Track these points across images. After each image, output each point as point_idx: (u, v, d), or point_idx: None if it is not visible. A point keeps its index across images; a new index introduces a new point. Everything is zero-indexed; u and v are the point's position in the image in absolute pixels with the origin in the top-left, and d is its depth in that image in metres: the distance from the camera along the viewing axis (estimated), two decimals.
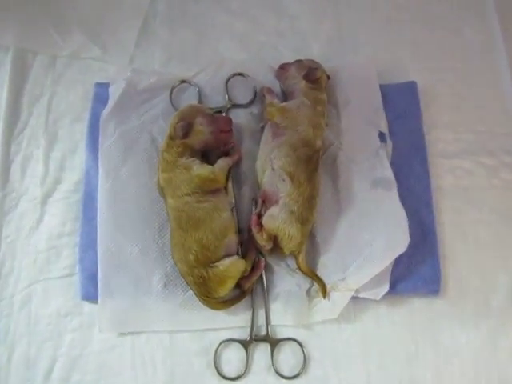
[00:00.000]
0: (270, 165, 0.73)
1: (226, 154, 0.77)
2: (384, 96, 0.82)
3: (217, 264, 0.70)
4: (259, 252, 0.74)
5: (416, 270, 0.75)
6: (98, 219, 0.76)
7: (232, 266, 0.70)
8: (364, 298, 0.72)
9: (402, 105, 0.83)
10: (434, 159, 0.82)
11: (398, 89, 0.84)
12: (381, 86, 0.83)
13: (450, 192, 0.80)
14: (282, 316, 0.73)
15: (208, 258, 0.70)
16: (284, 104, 0.76)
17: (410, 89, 0.84)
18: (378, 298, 0.72)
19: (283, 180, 0.71)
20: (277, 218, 0.70)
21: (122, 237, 0.75)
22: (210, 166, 0.73)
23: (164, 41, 0.91)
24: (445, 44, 0.90)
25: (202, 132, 0.73)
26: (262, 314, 0.73)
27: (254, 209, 0.76)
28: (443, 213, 0.79)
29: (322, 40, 0.90)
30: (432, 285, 0.74)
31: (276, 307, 0.73)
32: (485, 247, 0.77)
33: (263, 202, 0.73)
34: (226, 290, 0.70)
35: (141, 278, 0.74)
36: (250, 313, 0.73)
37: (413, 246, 0.73)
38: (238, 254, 0.74)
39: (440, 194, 0.80)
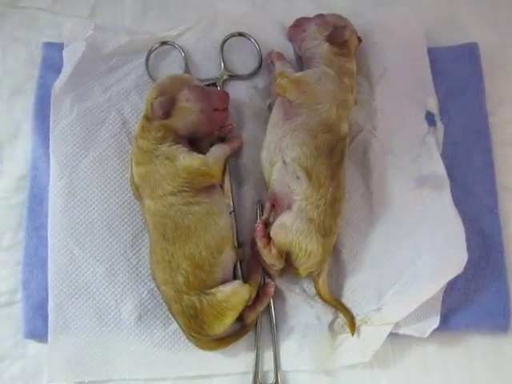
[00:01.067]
0: (280, 157, 0.77)
1: (222, 140, 0.82)
2: (433, 63, 0.88)
3: (213, 291, 0.74)
4: (266, 273, 0.79)
5: (476, 299, 0.80)
6: (49, 229, 0.80)
7: (233, 295, 0.73)
8: (406, 335, 0.77)
9: (458, 75, 0.88)
10: (500, 149, 0.87)
11: (453, 53, 0.89)
12: (429, 50, 0.88)
13: None
14: (296, 358, 0.78)
15: (202, 280, 0.74)
16: (300, 74, 0.81)
17: (470, 53, 0.89)
18: (426, 335, 0.77)
19: (298, 177, 0.76)
20: (290, 229, 0.75)
21: (82, 252, 0.79)
22: (201, 155, 0.77)
23: None
24: None
25: (189, 110, 0.77)
26: (269, 355, 0.78)
27: (259, 215, 0.81)
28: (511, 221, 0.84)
29: None
30: (498, 318, 0.79)
31: (288, 346, 0.78)
32: None
33: (272, 206, 0.78)
34: (224, 325, 0.74)
35: (107, 307, 0.78)
36: (254, 354, 0.77)
37: (472, 266, 0.79)
38: (235, 275, 0.78)
39: (508, 195, 0.85)
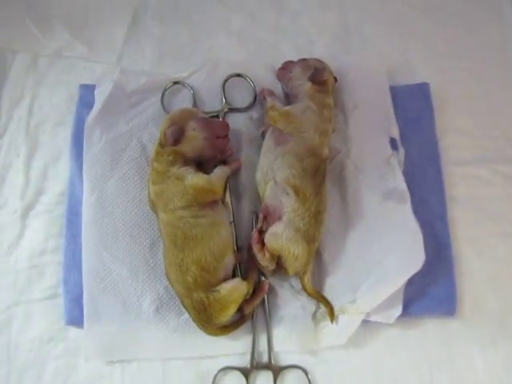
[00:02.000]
0: (272, 176, 0.61)
1: (224, 163, 0.65)
2: (394, 99, 0.70)
3: (218, 288, 0.58)
4: (261, 272, 0.62)
5: (430, 290, 0.64)
6: (83, 236, 0.64)
7: (234, 290, 0.58)
8: (375, 322, 0.61)
9: (413, 109, 0.70)
10: (448, 167, 0.70)
11: (410, 91, 0.71)
12: (390, 88, 0.71)
13: (464, 203, 0.68)
14: (286, 341, 0.62)
15: (208, 280, 0.58)
16: (288, 108, 0.64)
17: (423, 91, 0.71)
18: (391, 321, 0.61)
19: (287, 194, 0.60)
20: (281, 236, 0.59)
21: (109, 256, 0.63)
22: (205, 175, 0.61)
23: (155, 38, 0.77)
24: (458, 42, 0.77)
25: (195, 138, 0.61)
26: (263, 339, 0.62)
27: (254, 224, 0.64)
28: (458, 226, 0.67)
29: (327, 37, 0.77)
30: (448, 305, 0.63)
31: (279, 332, 0.62)
32: (503, 263, 0.66)
33: (265, 217, 0.61)
34: (227, 315, 0.59)
35: (130, 300, 0.62)
36: (251, 338, 0.62)
37: (427, 264, 0.62)
38: (235, 274, 0.62)
39: (454, 205, 0.68)
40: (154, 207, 0.62)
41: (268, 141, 0.63)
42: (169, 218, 0.59)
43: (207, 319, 0.59)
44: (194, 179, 0.60)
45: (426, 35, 0.77)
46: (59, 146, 0.71)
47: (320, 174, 0.61)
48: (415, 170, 0.68)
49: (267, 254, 0.59)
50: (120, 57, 0.76)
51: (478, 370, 0.62)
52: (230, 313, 0.59)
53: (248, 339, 0.62)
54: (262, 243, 0.60)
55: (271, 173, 0.61)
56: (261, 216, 0.62)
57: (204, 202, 0.60)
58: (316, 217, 0.60)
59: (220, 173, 0.63)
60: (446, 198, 0.68)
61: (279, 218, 0.60)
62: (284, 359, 0.62)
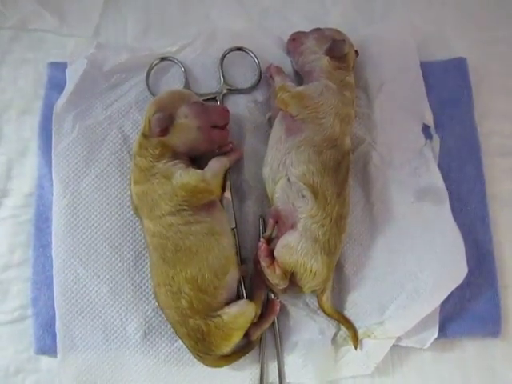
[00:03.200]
0: (284, 174, 0.48)
1: (221, 154, 0.52)
2: (426, 77, 0.58)
3: (219, 313, 0.47)
4: (269, 289, 0.50)
5: (470, 306, 0.53)
6: (54, 248, 0.52)
7: (240, 316, 0.46)
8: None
9: (449, 89, 0.58)
10: (488, 159, 0.58)
11: (444, 68, 0.59)
12: (421, 65, 0.58)
13: (508, 201, 0.57)
14: (300, 371, 0.51)
15: (207, 304, 0.46)
16: (301, 88, 0.51)
17: (459, 67, 0.59)
18: (426, 346, 0.51)
19: (303, 196, 0.47)
20: (295, 249, 0.47)
21: (86, 271, 0.51)
22: (198, 171, 0.49)
23: (138, 5, 0.64)
24: (498, 10, 0.63)
25: (188, 127, 0.48)
26: (273, 368, 0.51)
27: (261, 231, 0.52)
28: (501, 230, 0.56)
29: (343, 4, 0.63)
30: (491, 324, 0.53)
31: (292, 360, 0.51)
32: None
33: (275, 222, 0.50)
34: (231, 345, 0.47)
35: (113, 325, 0.51)
36: (259, 368, 0.50)
37: (467, 276, 0.51)
38: (239, 293, 0.50)
39: (496, 204, 0.56)
40: (137, 212, 0.49)
41: (278, 129, 0.51)
42: (155, 226, 0.47)
43: (206, 350, 0.47)
44: (185, 177, 0.47)
45: (460, 2, 0.64)
46: (25, 137, 0.58)
47: (342, 170, 0.49)
48: (452, 163, 0.56)
49: (278, 270, 0.47)
50: (97, 29, 0.62)
51: None
52: (234, 341, 0.47)
53: (255, 369, 0.51)
54: (272, 256, 0.48)
55: (283, 169, 0.48)
56: (270, 221, 0.50)
57: (198, 205, 0.47)
58: (338, 223, 0.48)
59: (216, 166, 0.50)
60: (488, 196, 0.56)
61: (293, 226, 0.48)
62: None
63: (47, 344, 0.51)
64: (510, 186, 0.58)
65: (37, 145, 0.56)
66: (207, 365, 0.49)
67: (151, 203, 0.47)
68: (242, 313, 0.46)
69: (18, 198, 0.56)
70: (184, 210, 0.47)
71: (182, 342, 0.48)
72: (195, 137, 0.49)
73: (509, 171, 0.58)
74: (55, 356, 0.51)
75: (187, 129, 0.48)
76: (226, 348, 0.47)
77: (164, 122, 0.47)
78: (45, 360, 0.52)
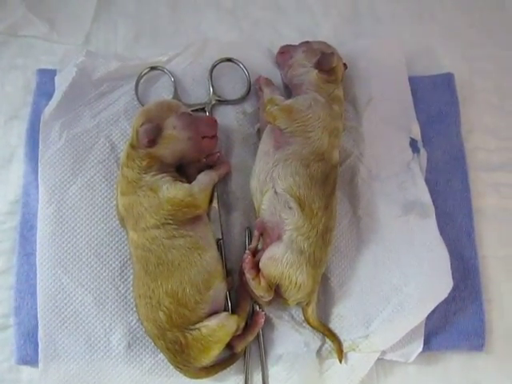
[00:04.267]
0: (271, 186, 0.48)
1: (209, 167, 0.52)
2: (414, 92, 0.58)
3: (198, 326, 0.46)
4: (254, 301, 0.50)
5: (455, 320, 0.53)
6: (38, 256, 0.51)
7: (219, 329, 0.45)
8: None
9: (436, 103, 0.58)
10: (474, 173, 0.58)
11: (432, 83, 0.59)
12: (409, 79, 0.58)
13: (493, 216, 0.57)
14: (285, 383, 0.50)
15: (186, 318, 0.45)
16: (290, 101, 0.50)
17: (447, 83, 0.59)
18: (411, 360, 0.50)
19: (290, 208, 0.47)
20: (280, 261, 0.46)
21: (70, 280, 0.50)
22: (185, 185, 0.48)
23: (129, 13, 0.63)
24: (485, 27, 0.64)
25: (176, 138, 0.48)
26: (257, 381, 0.50)
27: (247, 242, 0.52)
28: (486, 244, 0.56)
29: (334, 16, 0.63)
30: (475, 338, 0.53)
31: (276, 373, 0.50)
32: None
33: (260, 234, 0.49)
34: (211, 357, 0.47)
35: (96, 335, 0.50)
36: (243, 380, 0.50)
37: (452, 289, 0.51)
38: (226, 306, 0.49)
39: (482, 219, 0.57)
40: (123, 223, 0.49)
41: (266, 142, 0.50)
42: (140, 238, 0.46)
43: (185, 362, 0.46)
44: (172, 191, 0.46)
45: (449, 19, 0.65)
46: (12, 144, 0.57)
47: (330, 183, 0.48)
48: (438, 177, 0.56)
49: (263, 282, 0.47)
50: (88, 37, 0.62)
51: None
52: (213, 354, 0.46)
53: (239, 381, 0.50)
54: (257, 268, 0.48)
55: (270, 181, 0.48)
56: (256, 233, 0.50)
57: (183, 219, 0.47)
58: (324, 236, 0.47)
59: (204, 181, 0.49)
60: (473, 210, 0.56)
61: (278, 238, 0.47)
62: None
63: (29, 354, 0.50)
64: (495, 201, 0.58)
65: (23, 152, 0.55)
66: (189, 377, 0.48)
67: (137, 215, 0.47)
68: (221, 326, 0.46)
69: (2, 204, 0.56)
70: (169, 223, 0.46)
71: (163, 354, 0.47)
72: (184, 147, 0.48)
73: (494, 186, 0.58)
74: (37, 366, 0.49)
75: (175, 140, 0.48)
76: (205, 360, 0.46)
77: (152, 133, 0.47)
78: (26, 371, 0.51)
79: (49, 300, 0.50)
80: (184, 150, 0.48)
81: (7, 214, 0.55)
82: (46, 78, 0.57)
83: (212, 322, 0.46)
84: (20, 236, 0.53)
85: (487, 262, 0.56)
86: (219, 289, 0.47)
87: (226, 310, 0.49)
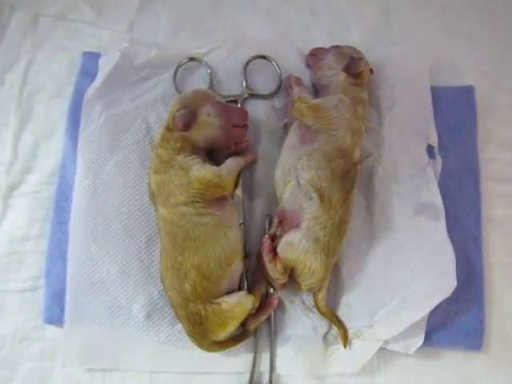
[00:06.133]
0: (295, 177, 0.51)
1: (237, 154, 0.55)
2: (434, 101, 0.60)
3: (219, 300, 0.49)
4: (269, 284, 0.53)
5: (456, 319, 0.55)
6: (71, 225, 0.54)
7: (237, 306, 0.49)
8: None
9: (455, 114, 0.60)
10: (486, 183, 0.60)
11: (453, 94, 0.61)
12: (432, 89, 0.60)
13: (502, 225, 0.59)
14: (291, 363, 0.53)
15: (209, 290, 0.49)
16: (318, 101, 0.53)
17: (467, 95, 0.61)
18: (411, 352, 0.53)
19: (310, 198, 0.50)
20: (297, 247, 0.49)
21: (99, 250, 0.53)
22: (214, 167, 0.51)
23: (173, 7, 0.67)
24: (508, 44, 0.66)
25: (209, 124, 0.51)
26: (265, 358, 0.53)
27: (267, 228, 0.55)
28: (492, 250, 0.58)
29: (365, 24, 0.66)
30: (473, 338, 0.55)
31: (284, 352, 0.53)
32: None
33: (280, 222, 0.52)
34: (226, 332, 0.50)
35: (119, 303, 0.53)
36: (252, 356, 0.53)
37: (455, 290, 0.53)
38: (241, 285, 0.52)
39: (490, 226, 0.58)
40: (153, 199, 0.52)
41: (292, 136, 0.53)
42: (169, 214, 0.50)
43: (202, 334, 0.49)
44: (201, 171, 0.50)
45: (474, 34, 0.67)
46: (54, 119, 0.61)
47: (349, 180, 0.51)
48: (451, 184, 0.58)
49: (279, 265, 0.50)
50: (131, 25, 0.65)
51: None
52: (229, 330, 0.50)
53: (249, 357, 0.53)
54: (275, 252, 0.51)
55: (294, 172, 0.51)
56: (276, 220, 0.53)
57: (211, 198, 0.50)
58: (339, 227, 0.50)
59: (232, 165, 0.52)
60: (482, 217, 0.59)
61: (297, 225, 0.50)
62: (286, 383, 0.53)
63: (55, 314, 0.53)
64: (505, 211, 0.60)
65: (64, 127, 0.59)
66: (202, 348, 0.51)
67: (167, 192, 0.50)
68: (239, 303, 0.49)
69: (40, 175, 0.59)
70: (197, 201, 0.50)
71: (181, 323, 0.51)
72: (216, 133, 0.52)
73: (505, 197, 0.60)
74: (61, 326, 0.53)
75: (209, 126, 0.51)
76: (221, 335, 0.50)
77: (187, 118, 0.50)
78: (50, 330, 0.55)
79: (78, 266, 0.53)
80: (216, 136, 0.52)
81: (44, 184, 0.59)
82: (90, 61, 0.61)
83: (231, 299, 0.49)
84: (55, 205, 0.57)
85: (492, 268, 0.58)
86: (238, 267, 0.50)
87: (242, 289, 0.52)
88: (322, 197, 0.50)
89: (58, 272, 0.54)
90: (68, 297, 0.53)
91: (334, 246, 0.50)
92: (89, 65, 0.61)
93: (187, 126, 0.50)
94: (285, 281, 0.51)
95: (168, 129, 0.52)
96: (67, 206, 0.56)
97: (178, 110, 0.51)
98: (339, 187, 0.50)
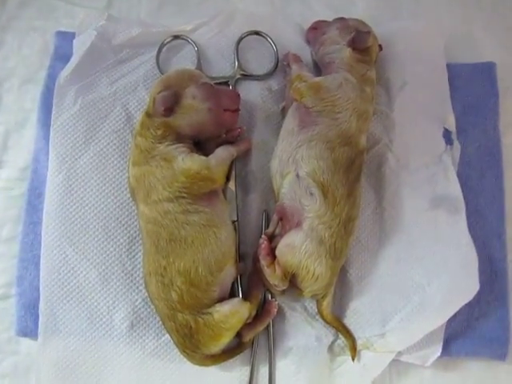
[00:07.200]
0: (293, 168, 0.45)
1: (230, 143, 0.48)
2: (451, 80, 0.54)
3: (210, 310, 0.43)
4: (267, 289, 0.47)
5: (478, 326, 0.49)
6: (44, 226, 0.49)
7: (232, 316, 0.43)
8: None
9: (475, 94, 0.54)
10: (510, 172, 0.53)
11: (471, 71, 0.55)
12: (447, 66, 0.54)
13: None
14: (292, 378, 0.48)
15: (198, 300, 0.43)
16: (319, 79, 0.47)
17: (487, 72, 0.55)
18: (428, 364, 0.47)
19: (311, 194, 0.44)
20: (299, 250, 0.43)
21: (75, 253, 0.48)
22: (202, 157, 0.45)
23: None
24: None
25: (195, 108, 0.45)
26: (264, 373, 0.48)
27: (263, 226, 0.49)
28: None
29: None
30: (497, 346, 0.49)
31: (285, 366, 0.48)
32: None
33: (279, 219, 0.46)
34: (220, 345, 0.44)
35: (99, 312, 0.48)
36: (249, 371, 0.47)
37: (477, 292, 0.47)
38: (234, 289, 0.46)
39: None
40: (134, 196, 0.46)
41: (290, 120, 0.47)
42: (151, 211, 0.43)
43: (193, 347, 0.44)
44: (187, 162, 0.44)
45: (494, 3, 0.59)
46: (26, 108, 0.55)
47: (355, 170, 0.45)
48: (471, 173, 0.52)
49: (278, 270, 0.44)
50: (110, 1, 0.58)
51: None
52: (223, 342, 0.44)
53: (245, 372, 0.48)
54: (273, 255, 0.45)
55: (292, 163, 0.45)
56: (275, 218, 0.47)
57: (199, 193, 0.44)
58: (346, 225, 0.44)
59: (222, 154, 0.46)
60: (506, 211, 0.52)
61: (298, 225, 0.44)
62: None
63: (29, 326, 0.48)
64: None
65: (37, 117, 0.52)
66: (193, 363, 0.45)
67: (148, 187, 0.44)
68: (234, 312, 0.43)
69: (12, 170, 0.53)
70: (183, 197, 0.43)
71: (170, 336, 0.45)
72: (203, 119, 0.45)
73: None
74: (36, 339, 0.47)
75: (195, 110, 0.44)
76: (215, 348, 0.44)
77: (169, 101, 0.44)
78: (24, 343, 0.49)
79: (52, 272, 0.48)
80: (203, 121, 0.45)
81: (16, 180, 0.53)
82: (65, 41, 0.54)
83: (224, 308, 0.43)
84: (27, 204, 0.51)
85: None
86: (230, 273, 0.44)
87: (235, 296, 0.46)
88: (324, 192, 0.43)
89: (30, 278, 0.49)
90: (42, 306, 0.48)
91: (340, 248, 0.44)
92: (63, 46, 0.54)
93: (169, 109, 0.44)
94: (284, 288, 0.45)
95: (148, 114, 0.45)
96: (40, 204, 0.50)
97: (159, 92, 0.44)
98: (343, 179, 0.44)
